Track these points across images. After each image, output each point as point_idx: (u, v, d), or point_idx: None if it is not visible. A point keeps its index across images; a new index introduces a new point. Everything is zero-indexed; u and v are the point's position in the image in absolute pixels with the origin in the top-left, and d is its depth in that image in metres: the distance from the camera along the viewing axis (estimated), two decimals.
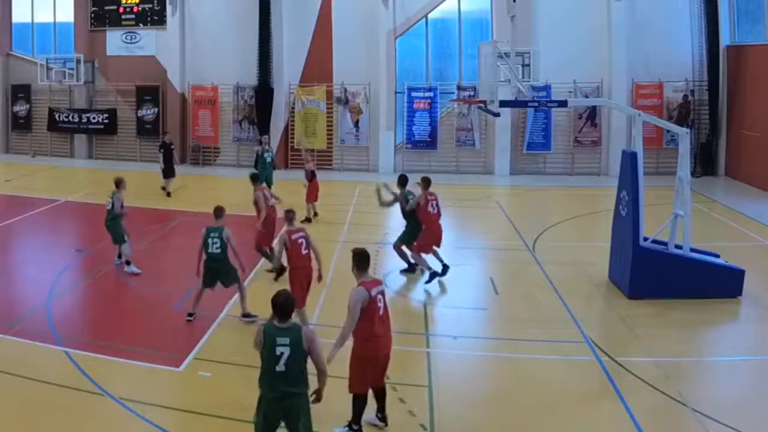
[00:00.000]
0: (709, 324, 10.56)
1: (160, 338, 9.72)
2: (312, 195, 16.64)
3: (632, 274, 11.23)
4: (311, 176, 16.76)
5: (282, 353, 5.76)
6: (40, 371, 8.36)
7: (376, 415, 7.31)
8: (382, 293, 7.11)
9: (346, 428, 7.17)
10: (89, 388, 8.01)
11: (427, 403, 7.84)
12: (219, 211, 10.67)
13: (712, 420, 7.37)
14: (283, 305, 5.86)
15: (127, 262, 12.72)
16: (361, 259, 7.16)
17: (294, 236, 9.86)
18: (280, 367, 5.78)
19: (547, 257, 13.72)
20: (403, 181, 12.73)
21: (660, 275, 11.15)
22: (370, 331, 6.92)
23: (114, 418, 7.50)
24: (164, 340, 9.65)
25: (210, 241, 10.32)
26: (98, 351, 9.06)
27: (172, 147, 21.20)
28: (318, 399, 6.16)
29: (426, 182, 12.17)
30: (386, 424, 7.27)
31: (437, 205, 12.20)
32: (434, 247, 12.19)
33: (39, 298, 11.20)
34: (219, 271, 10.36)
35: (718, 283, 11.26)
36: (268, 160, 19.55)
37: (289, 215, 10.36)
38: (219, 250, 10.29)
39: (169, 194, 20.01)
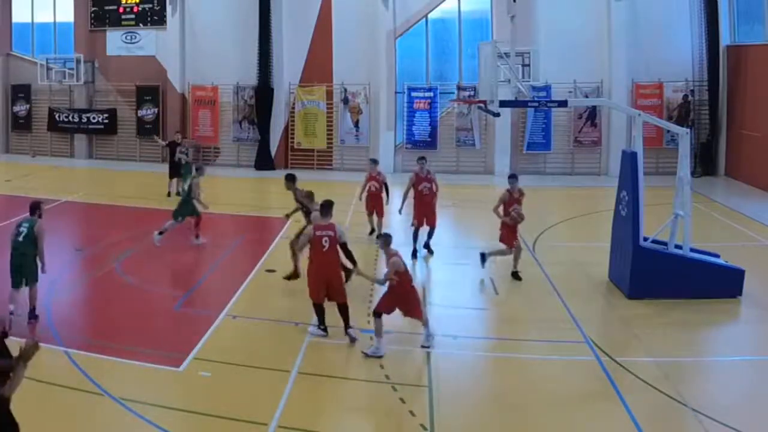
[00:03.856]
0: (709, 324, 10.57)
1: (160, 338, 9.72)
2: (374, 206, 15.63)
3: (632, 274, 11.23)
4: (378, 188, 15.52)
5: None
6: (40, 371, 8.33)
7: (319, 327, 9.70)
8: (329, 236, 9.50)
9: (315, 326, 9.71)
10: (89, 388, 8.01)
11: (427, 403, 7.83)
12: (34, 206, 10.52)
13: (712, 420, 7.37)
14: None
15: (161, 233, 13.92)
16: (323, 207, 9.88)
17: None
18: None
19: (547, 257, 13.72)
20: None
21: (660, 275, 11.15)
22: (315, 258, 9.65)
23: (114, 418, 7.50)
24: (164, 340, 9.65)
25: (19, 230, 10.17)
26: (98, 351, 9.05)
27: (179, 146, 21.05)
28: None
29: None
30: (326, 334, 9.63)
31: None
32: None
33: (39, 298, 11.17)
34: (23, 266, 10.09)
35: (718, 283, 11.26)
36: (183, 162, 18.36)
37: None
38: (22, 240, 10.08)
39: (168, 194, 19.87)
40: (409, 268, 11.45)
